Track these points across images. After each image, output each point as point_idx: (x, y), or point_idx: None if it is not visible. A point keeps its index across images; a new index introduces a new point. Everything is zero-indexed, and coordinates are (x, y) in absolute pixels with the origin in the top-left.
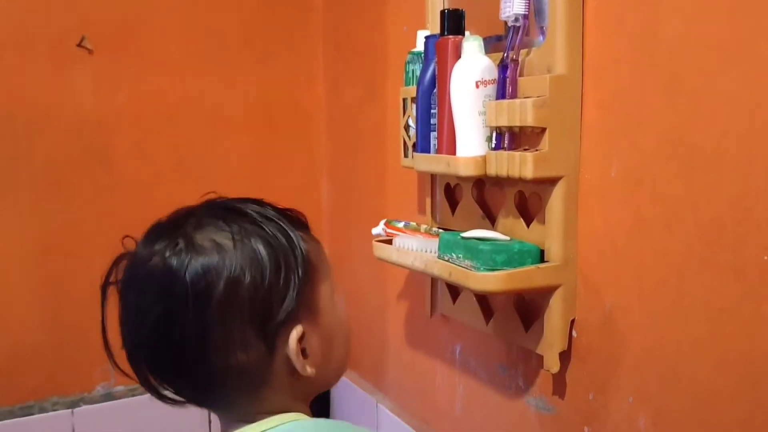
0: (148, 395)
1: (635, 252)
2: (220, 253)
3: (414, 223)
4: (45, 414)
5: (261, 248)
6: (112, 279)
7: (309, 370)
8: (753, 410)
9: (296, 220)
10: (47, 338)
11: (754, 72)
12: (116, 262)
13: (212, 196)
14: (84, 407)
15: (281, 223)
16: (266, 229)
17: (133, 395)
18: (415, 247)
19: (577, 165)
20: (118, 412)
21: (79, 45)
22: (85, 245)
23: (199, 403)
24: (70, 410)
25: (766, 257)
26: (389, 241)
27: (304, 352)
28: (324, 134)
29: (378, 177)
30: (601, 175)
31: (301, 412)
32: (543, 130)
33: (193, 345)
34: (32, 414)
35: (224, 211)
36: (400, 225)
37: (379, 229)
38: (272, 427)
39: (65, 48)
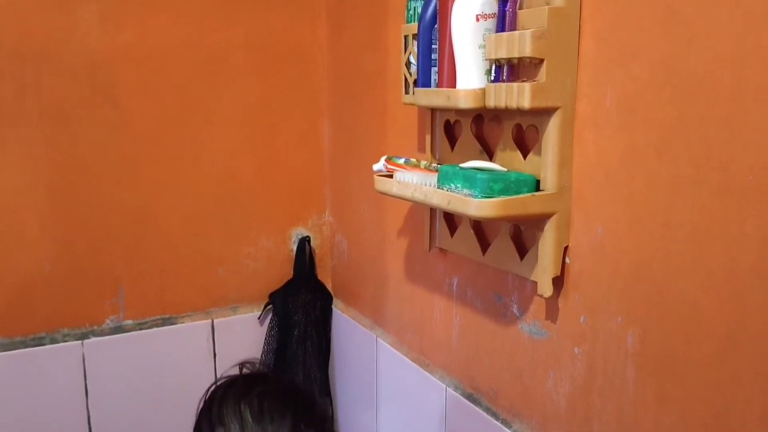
0: (156, 329)
1: (627, 178)
2: None
3: (414, 160)
4: (56, 345)
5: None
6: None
7: None
8: (735, 325)
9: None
10: (57, 272)
11: None
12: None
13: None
14: (94, 339)
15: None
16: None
17: (141, 329)
18: (415, 181)
19: (574, 95)
20: (127, 344)
21: None
22: (94, 181)
23: None
24: (80, 342)
25: (751, 177)
26: (390, 176)
27: None
28: (326, 74)
29: (379, 116)
30: (596, 105)
31: None
32: (541, 61)
33: None
34: (43, 344)
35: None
36: (401, 161)
37: (380, 165)
38: None
39: None
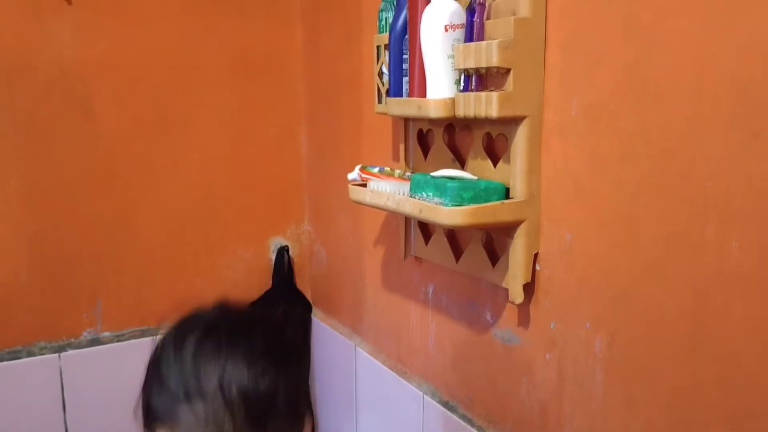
0: (134, 341)
1: (593, 185)
2: None
3: (388, 169)
4: (32, 358)
5: None
6: None
7: None
8: (697, 328)
9: None
10: (34, 284)
11: (702, 8)
12: None
13: None
14: (71, 352)
15: None
16: None
17: (118, 341)
18: (388, 190)
19: (541, 104)
20: (105, 356)
21: None
22: (69, 192)
23: None
24: (57, 354)
25: (710, 183)
26: (365, 185)
27: None
28: (302, 82)
29: (354, 125)
30: (562, 114)
31: None
32: (508, 71)
33: None
34: (20, 358)
35: None
36: (375, 170)
37: (354, 175)
38: None
39: None
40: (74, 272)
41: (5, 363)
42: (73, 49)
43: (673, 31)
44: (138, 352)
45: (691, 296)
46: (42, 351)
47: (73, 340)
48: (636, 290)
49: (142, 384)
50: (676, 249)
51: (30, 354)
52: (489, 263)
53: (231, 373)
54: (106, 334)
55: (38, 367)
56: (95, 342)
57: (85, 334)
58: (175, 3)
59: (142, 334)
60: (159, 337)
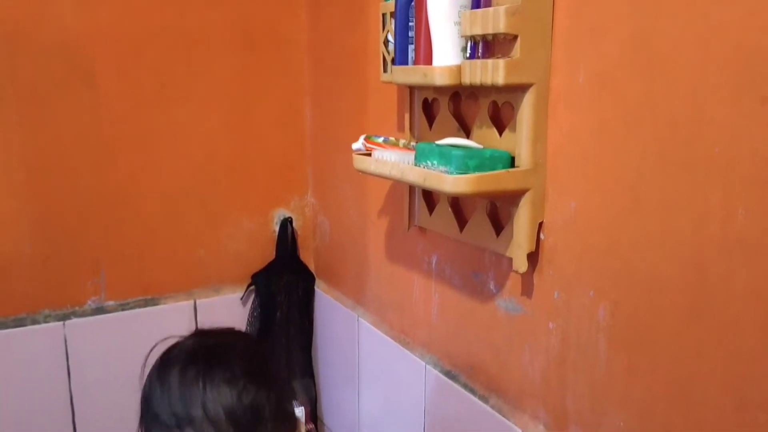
0: (138, 309)
1: (599, 154)
2: None
3: (393, 138)
4: (37, 326)
5: None
6: None
7: None
8: (699, 297)
9: None
10: (38, 253)
11: None
12: None
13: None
14: (75, 320)
15: None
16: None
17: (123, 309)
18: (393, 159)
19: (548, 72)
20: (109, 325)
21: None
22: (71, 162)
23: None
24: (61, 323)
25: (716, 150)
26: (369, 155)
27: None
28: (306, 54)
29: (360, 95)
30: (569, 81)
31: None
32: (515, 37)
33: None
34: (25, 326)
35: None
36: (380, 140)
37: (359, 144)
38: None
39: None
40: (77, 241)
41: (10, 330)
42: (75, 18)
43: None
44: (141, 321)
45: (693, 265)
46: (47, 319)
47: (77, 308)
48: (639, 259)
49: (138, 421)
50: (680, 217)
51: (34, 322)
52: (493, 232)
53: (214, 397)
54: (110, 303)
55: (43, 335)
56: (100, 311)
57: (89, 302)
58: None
59: (146, 303)
60: (146, 374)
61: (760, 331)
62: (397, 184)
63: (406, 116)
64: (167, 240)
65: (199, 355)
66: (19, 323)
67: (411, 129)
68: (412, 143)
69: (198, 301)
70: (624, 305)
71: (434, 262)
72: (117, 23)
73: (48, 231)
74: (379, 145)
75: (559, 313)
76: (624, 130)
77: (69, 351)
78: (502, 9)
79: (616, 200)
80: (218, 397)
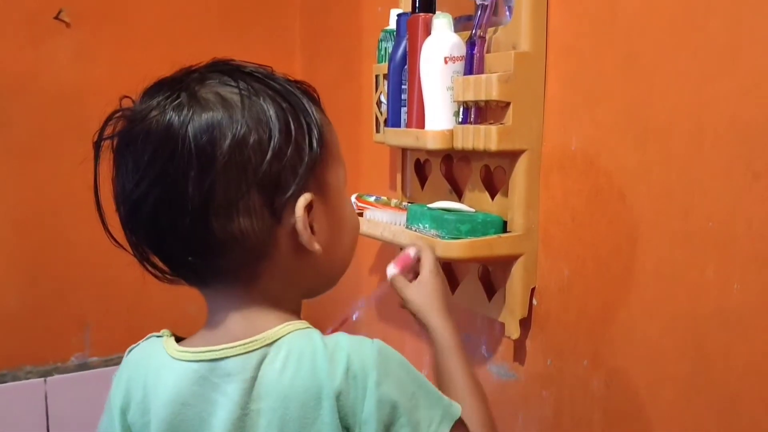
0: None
1: (592, 221)
2: (226, 108)
3: (385, 198)
4: (18, 382)
5: (271, 109)
6: (106, 134)
7: (316, 246)
8: (697, 368)
9: (308, 93)
10: (22, 307)
11: (703, 49)
12: (110, 118)
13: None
14: (57, 376)
15: (293, 90)
16: (277, 91)
17: (107, 365)
18: (384, 220)
19: (540, 138)
20: (92, 381)
21: (57, 17)
22: (63, 216)
23: (190, 274)
24: (43, 379)
25: (710, 224)
26: (360, 214)
27: (311, 227)
28: None
29: (353, 154)
30: (562, 148)
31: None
32: (507, 104)
33: (194, 206)
34: (5, 382)
35: (231, 69)
36: (371, 199)
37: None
38: (282, 336)
39: (43, 20)
40: (64, 296)
41: None
42: (72, 73)
43: (673, 71)
44: None
45: (691, 337)
46: (28, 375)
47: (60, 364)
48: (635, 329)
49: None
50: (676, 288)
51: (15, 378)
52: (485, 296)
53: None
54: (95, 358)
55: (23, 392)
56: (83, 366)
57: (72, 358)
58: (175, 28)
59: None
60: None
61: (761, 408)
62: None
63: (398, 176)
64: (157, 295)
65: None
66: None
67: (403, 188)
68: (404, 203)
69: None
70: (619, 376)
71: None
72: (114, 78)
73: (35, 286)
74: (370, 204)
75: (553, 382)
76: (618, 199)
77: (49, 408)
78: (494, 77)
79: (611, 269)
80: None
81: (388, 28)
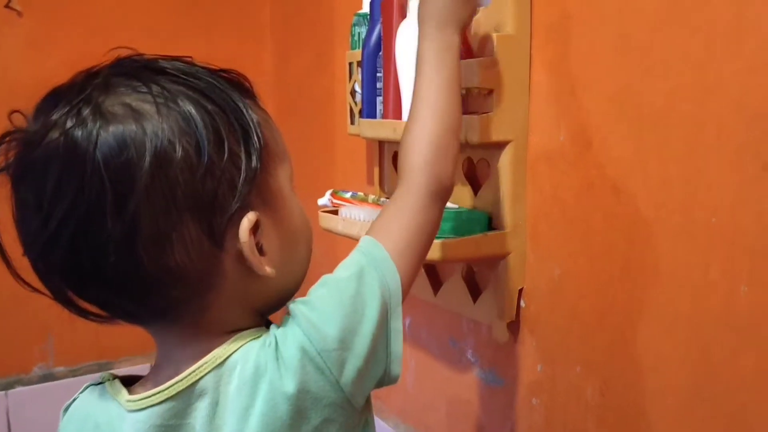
0: (90, 375)
1: (584, 217)
2: (138, 120)
3: (361, 194)
4: None
5: (194, 113)
6: None
7: (267, 269)
8: (700, 377)
9: (238, 85)
10: None
11: (706, 24)
12: (1, 143)
13: (123, 52)
14: (19, 389)
15: (218, 85)
16: (199, 90)
17: (74, 375)
18: (362, 218)
19: (526, 128)
20: (57, 392)
21: (7, 6)
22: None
23: (132, 317)
24: (3, 392)
25: (714, 219)
26: (336, 212)
27: (260, 249)
28: (271, 102)
29: (326, 146)
30: (549, 139)
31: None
32: (490, 92)
33: (116, 242)
34: None
35: (139, 69)
36: (347, 195)
37: (325, 200)
38: (234, 351)
39: None
40: (23, 302)
41: None
42: (23, 65)
43: (672, 51)
44: None
45: (695, 343)
46: None
47: (22, 375)
48: (633, 333)
49: None
50: (677, 289)
51: None
52: (470, 298)
53: None
54: (60, 368)
55: None
56: (47, 377)
57: (35, 369)
58: (134, 16)
59: (99, 368)
60: None
61: None
62: None
63: (376, 170)
64: None
65: None
66: None
67: (381, 183)
68: (383, 199)
69: None
70: (615, 383)
71: (407, 324)
72: (69, 71)
73: None
74: (346, 200)
75: (543, 389)
76: (612, 192)
77: (11, 424)
78: (475, 62)
79: (606, 268)
80: None
81: (362, 11)
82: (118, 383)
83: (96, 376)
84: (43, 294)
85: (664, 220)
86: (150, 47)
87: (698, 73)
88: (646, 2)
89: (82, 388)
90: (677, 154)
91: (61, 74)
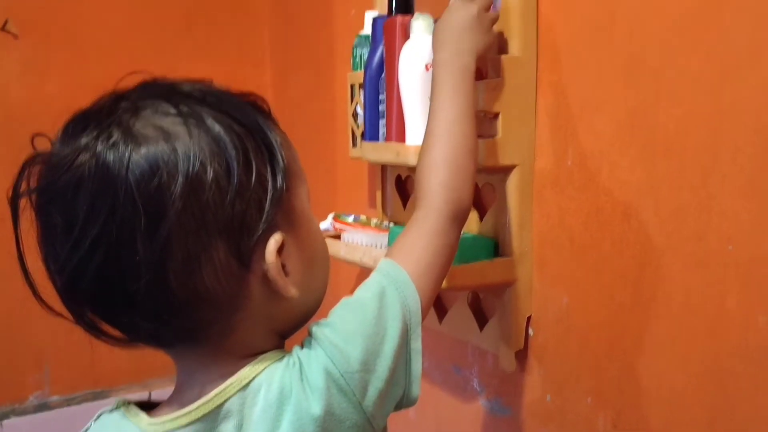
0: (86, 404)
1: (593, 244)
2: (169, 141)
3: (364, 217)
4: None
5: (223, 134)
6: (22, 189)
7: (292, 290)
8: (717, 410)
9: (257, 106)
10: None
11: (719, 47)
12: (26, 166)
13: (139, 75)
14: (14, 419)
15: (243, 107)
16: (225, 111)
17: (69, 405)
18: (364, 242)
19: (532, 152)
20: (53, 422)
21: (2, 29)
22: (13, 249)
23: (156, 339)
24: None
25: (730, 247)
26: (338, 237)
27: (284, 269)
28: None
29: (328, 169)
30: (556, 163)
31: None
32: (496, 115)
33: (147, 267)
34: None
35: (167, 91)
36: (349, 219)
37: (327, 224)
38: (259, 373)
39: None
40: (18, 331)
41: None
42: (20, 88)
43: (685, 75)
44: (90, 417)
45: (711, 376)
46: None
47: (17, 405)
48: (645, 364)
49: None
50: (692, 320)
51: None
52: (476, 326)
53: None
54: (55, 398)
55: None
56: (42, 407)
57: (31, 398)
58: (132, 38)
59: (95, 396)
60: None
61: None
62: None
63: (378, 193)
64: None
65: None
66: None
67: (383, 207)
68: (385, 222)
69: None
70: (628, 416)
71: None
72: (66, 94)
73: None
74: (349, 224)
75: (552, 419)
76: (622, 219)
77: None
78: (481, 84)
79: (616, 297)
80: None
81: (363, 33)
82: (134, 408)
83: (100, 403)
84: (64, 317)
85: (677, 247)
86: (149, 70)
87: (712, 97)
88: (657, 23)
89: (95, 416)
90: (691, 180)
91: (58, 98)
